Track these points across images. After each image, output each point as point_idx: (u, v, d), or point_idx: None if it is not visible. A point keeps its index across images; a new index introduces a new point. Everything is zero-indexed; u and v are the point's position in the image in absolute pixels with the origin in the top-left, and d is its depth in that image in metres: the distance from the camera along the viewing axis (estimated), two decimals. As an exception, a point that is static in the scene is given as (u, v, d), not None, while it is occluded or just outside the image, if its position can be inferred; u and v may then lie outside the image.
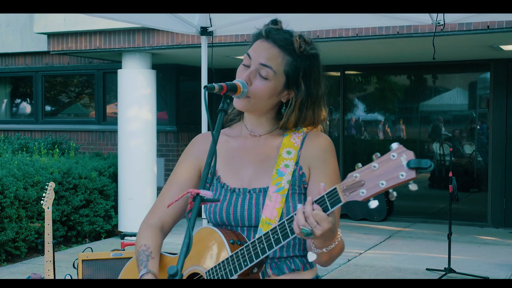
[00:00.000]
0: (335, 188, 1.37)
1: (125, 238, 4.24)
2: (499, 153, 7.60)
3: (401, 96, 8.74)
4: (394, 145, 1.30)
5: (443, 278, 5.14)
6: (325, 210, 1.38)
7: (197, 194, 1.44)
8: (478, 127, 8.14)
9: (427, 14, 3.50)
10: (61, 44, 7.28)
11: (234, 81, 1.59)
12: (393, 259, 5.91)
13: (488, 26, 5.23)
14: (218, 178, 1.67)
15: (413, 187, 1.28)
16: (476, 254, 6.17)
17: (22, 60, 9.12)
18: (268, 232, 1.46)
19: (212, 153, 1.49)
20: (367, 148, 8.86)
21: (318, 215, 1.38)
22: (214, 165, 1.63)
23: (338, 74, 8.48)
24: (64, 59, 8.79)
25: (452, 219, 5.52)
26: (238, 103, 1.62)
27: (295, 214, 1.42)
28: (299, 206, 1.41)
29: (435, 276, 5.26)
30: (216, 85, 1.52)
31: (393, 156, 1.29)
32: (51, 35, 7.33)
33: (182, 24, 3.92)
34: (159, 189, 7.50)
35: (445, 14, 3.44)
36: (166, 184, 1.76)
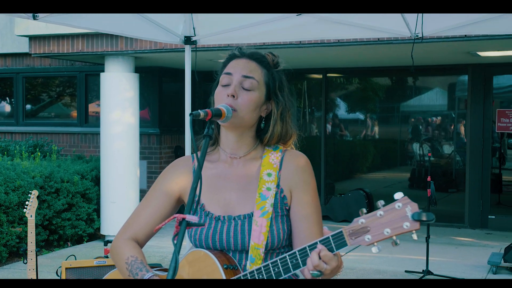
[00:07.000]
0: (341, 232, 1.44)
1: (109, 244, 4.26)
2: (476, 154, 7.75)
3: (382, 96, 8.86)
4: (398, 195, 1.39)
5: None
6: (330, 251, 1.46)
7: (183, 219, 1.49)
8: (460, 128, 8.29)
9: (406, 27, 3.59)
10: (43, 47, 7.23)
11: (218, 106, 1.65)
12: (373, 262, 6.02)
13: (465, 35, 5.35)
14: (202, 206, 1.71)
15: (415, 236, 1.38)
16: (453, 256, 6.31)
17: (2, 61, 9.02)
18: (268, 264, 1.53)
19: (197, 178, 1.54)
20: (349, 148, 8.98)
21: (326, 256, 1.44)
22: (200, 190, 1.69)
23: (320, 76, 8.58)
24: (45, 61, 8.72)
25: (430, 222, 5.63)
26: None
27: (298, 253, 1.49)
28: (308, 260, 1.47)
29: (413, 278, 5.37)
30: (201, 112, 1.58)
31: (398, 206, 1.38)
32: (32, 38, 7.27)
33: (166, 34, 3.94)
34: (142, 192, 7.50)
35: (423, 26, 3.53)
36: (141, 203, 1.81)
